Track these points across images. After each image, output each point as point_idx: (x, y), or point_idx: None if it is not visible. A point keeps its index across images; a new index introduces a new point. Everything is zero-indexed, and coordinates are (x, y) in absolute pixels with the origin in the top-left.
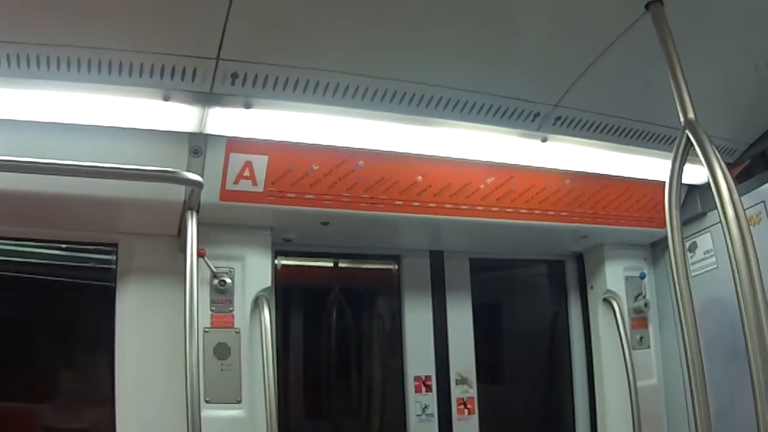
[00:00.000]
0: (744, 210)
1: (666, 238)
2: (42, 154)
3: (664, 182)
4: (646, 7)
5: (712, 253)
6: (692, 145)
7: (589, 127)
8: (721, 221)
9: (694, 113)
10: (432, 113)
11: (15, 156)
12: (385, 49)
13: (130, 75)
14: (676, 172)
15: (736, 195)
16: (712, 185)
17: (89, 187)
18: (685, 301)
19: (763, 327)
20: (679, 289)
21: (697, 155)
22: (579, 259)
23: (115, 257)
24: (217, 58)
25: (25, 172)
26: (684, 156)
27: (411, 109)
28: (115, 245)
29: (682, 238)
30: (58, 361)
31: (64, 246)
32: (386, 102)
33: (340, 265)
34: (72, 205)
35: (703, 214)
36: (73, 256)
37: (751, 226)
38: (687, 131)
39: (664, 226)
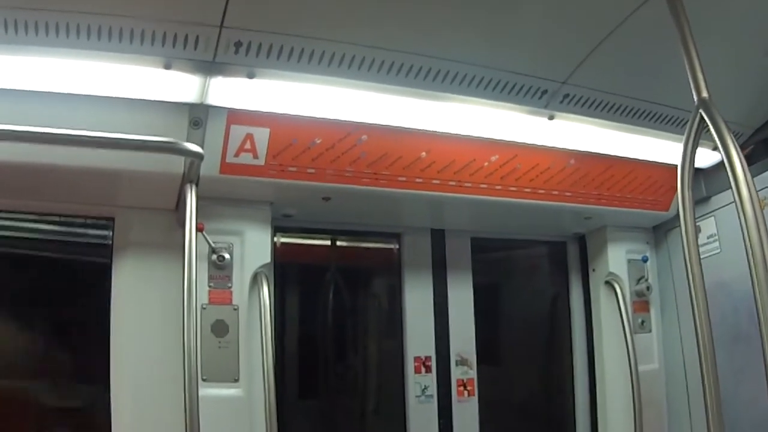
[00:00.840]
0: (757, 191)
1: (669, 221)
2: (37, 123)
3: (670, 165)
4: None
5: (716, 237)
6: (705, 124)
7: (597, 106)
8: (735, 201)
9: (708, 92)
10: (438, 87)
11: (8, 125)
12: (392, 20)
13: (130, 42)
14: (689, 151)
15: (749, 175)
16: (727, 164)
17: (85, 158)
18: (697, 283)
19: None
20: (692, 271)
21: (706, 137)
22: (581, 240)
23: (111, 232)
24: (221, 25)
25: (19, 141)
26: (698, 135)
27: (416, 83)
28: (112, 219)
29: (695, 219)
30: (54, 338)
31: (58, 221)
32: (391, 75)
33: (340, 243)
34: (67, 176)
35: (707, 198)
36: (68, 231)
37: None
38: (701, 110)
39: (668, 209)
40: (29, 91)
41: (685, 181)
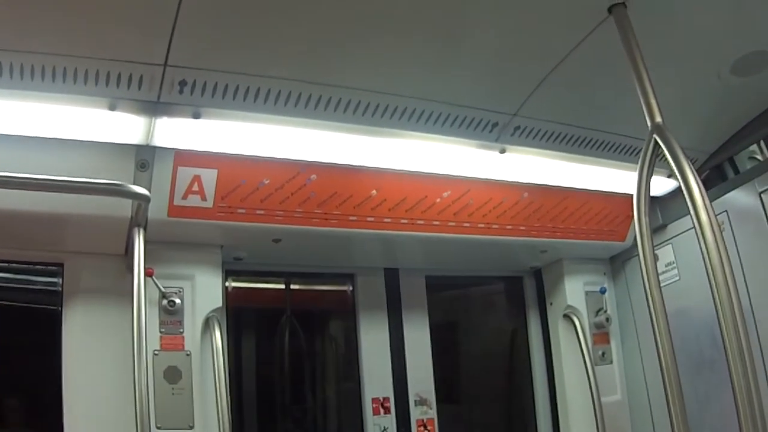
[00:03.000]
0: (715, 214)
1: (626, 251)
2: None
3: (625, 195)
4: (609, 10)
5: (674, 265)
6: (660, 149)
7: (549, 138)
8: (694, 226)
9: (662, 117)
10: (387, 123)
11: None
12: (337, 57)
13: (74, 82)
14: (644, 177)
15: (707, 199)
16: (684, 189)
17: (32, 202)
18: (658, 310)
19: (739, 330)
20: (652, 298)
21: (661, 164)
22: (537, 274)
23: (60, 278)
24: (165, 64)
25: None
26: (652, 161)
27: (365, 120)
28: (61, 265)
29: (653, 246)
30: (3, 386)
31: (7, 267)
32: (339, 112)
33: (294, 286)
34: (13, 221)
35: (664, 226)
36: (17, 278)
37: None
38: (655, 135)
39: (624, 239)
40: None
41: (641, 208)
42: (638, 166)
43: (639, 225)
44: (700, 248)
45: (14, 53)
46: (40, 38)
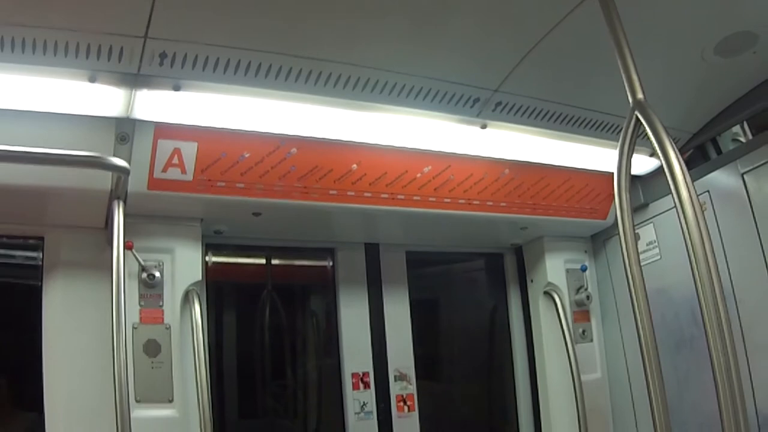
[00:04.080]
0: (696, 193)
1: (607, 230)
2: None
3: (606, 173)
4: None
5: (655, 244)
6: (641, 126)
7: (531, 114)
8: (675, 203)
9: (644, 94)
10: (368, 97)
11: None
12: (318, 30)
13: (54, 54)
14: (626, 154)
15: (688, 177)
16: (665, 165)
17: (12, 174)
18: (638, 287)
19: (719, 306)
20: (632, 275)
21: (643, 143)
22: (518, 251)
23: (41, 252)
24: (145, 36)
25: None
26: (633, 138)
27: (346, 93)
28: (41, 238)
29: (633, 224)
30: None
31: None
32: (320, 85)
33: (274, 261)
34: None
35: (645, 205)
36: None
37: None
38: (636, 112)
39: (605, 217)
40: None
41: (622, 185)
42: (619, 142)
43: (619, 202)
44: (680, 225)
45: None
46: (18, 10)
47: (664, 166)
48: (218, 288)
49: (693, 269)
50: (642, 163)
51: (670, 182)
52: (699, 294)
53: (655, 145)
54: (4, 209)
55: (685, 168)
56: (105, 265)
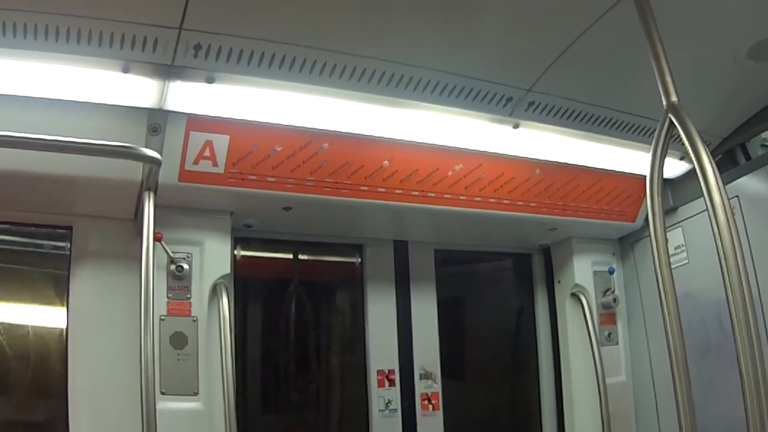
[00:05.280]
0: (728, 196)
1: (635, 232)
2: None
3: (636, 175)
4: None
5: (683, 248)
6: (674, 128)
7: (563, 114)
8: (707, 207)
9: (677, 97)
10: (401, 94)
11: None
12: (355, 25)
13: (88, 43)
14: (659, 157)
15: (720, 181)
16: (698, 169)
17: (42, 163)
18: (668, 291)
19: (749, 312)
20: (662, 278)
21: (673, 147)
22: (546, 252)
23: (68, 242)
24: (180, 27)
25: None
26: (666, 140)
27: (380, 89)
28: (70, 228)
29: (665, 227)
30: (9, 349)
31: (16, 230)
32: (354, 80)
33: (302, 257)
34: (24, 183)
35: (675, 209)
36: (25, 241)
37: None
38: (670, 115)
39: (634, 220)
40: None
41: (654, 188)
42: (652, 144)
43: (651, 204)
44: (712, 229)
45: (29, 14)
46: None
47: (697, 170)
48: (245, 282)
49: (723, 274)
50: (672, 167)
51: (703, 187)
52: (729, 300)
53: (689, 148)
54: (34, 198)
55: (717, 173)
56: (133, 256)
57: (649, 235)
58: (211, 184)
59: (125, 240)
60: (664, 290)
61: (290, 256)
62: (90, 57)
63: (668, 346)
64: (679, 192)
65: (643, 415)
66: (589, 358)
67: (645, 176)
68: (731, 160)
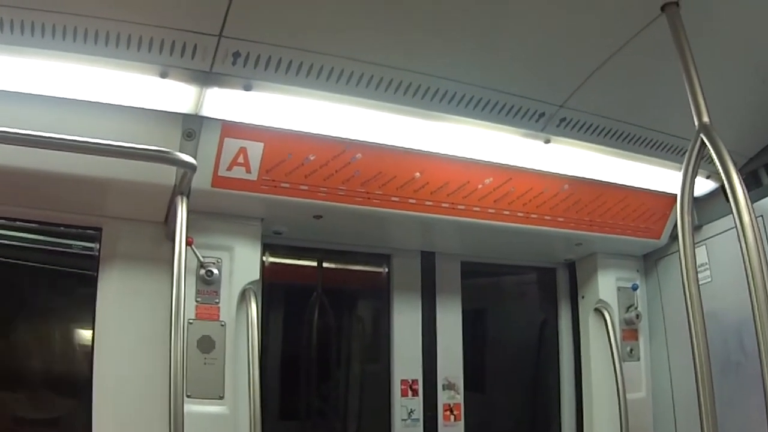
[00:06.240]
0: (755, 217)
1: (659, 249)
2: (26, 126)
3: (663, 193)
4: (662, 8)
5: (707, 266)
6: (706, 148)
7: (594, 131)
8: (736, 227)
9: (709, 117)
10: (434, 107)
11: None
12: (391, 37)
13: (127, 47)
14: (689, 176)
15: (749, 201)
16: (728, 189)
17: (75, 165)
18: (695, 308)
19: None
20: (690, 295)
21: (703, 165)
22: (571, 267)
23: (98, 243)
24: (220, 35)
25: (6, 143)
26: (698, 160)
27: (414, 102)
28: (100, 229)
29: (694, 245)
30: (36, 349)
31: (46, 229)
32: (389, 92)
33: (329, 265)
34: (55, 183)
35: (699, 227)
36: (55, 240)
37: None
38: (702, 135)
39: (659, 237)
40: (19, 92)
41: (685, 206)
42: (684, 164)
43: (681, 222)
44: (741, 249)
45: (70, 16)
46: (96, 2)
47: (728, 190)
48: (273, 288)
49: (750, 293)
50: (698, 185)
51: (733, 206)
52: (756, 318)
53: (719, 168)
54: (65, 198)
55: (746, 193)
56: (162, 259)
57: (679, 253)
58: (243, 190)
59: (154, 243)
60: (691, 307)
61: (316, 263)
62: (129, 61)
63: (694, 363)
64: (703, 210)
65: (661, 431)
66: (610, 374)
67: (671, 194)
68: (756, 179)
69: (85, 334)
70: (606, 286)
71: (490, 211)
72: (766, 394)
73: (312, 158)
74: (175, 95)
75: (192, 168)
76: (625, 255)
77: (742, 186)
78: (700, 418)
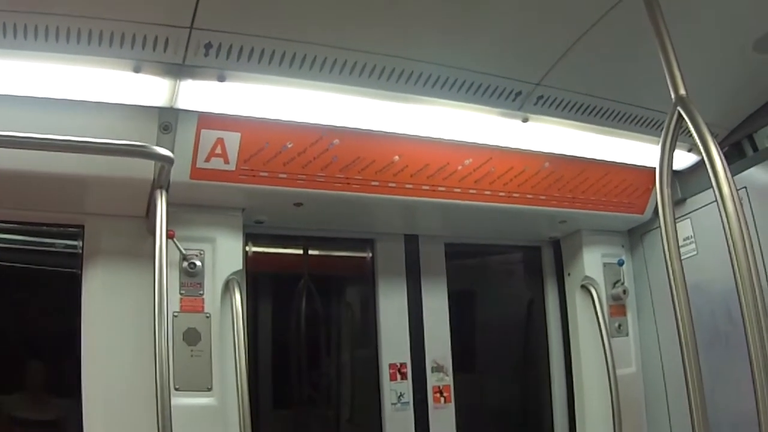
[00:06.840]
0: (736, 187)
1: (644, 224)
2: (1, 127)
3: (645, 167)
4: None
5: (692, 239)
6: (683, 122)
7: (572, 108)
8: (716, 199)
9: (686, 90)
10: (411, 89)
11: None
12: (362, 21)
13: (99, 44)
14: (668, 149)
15: (728, 172)
16: (707, 162)
17: (54, 163)
18: (678, 282)
19: (758, 301)
20: (672, 270)
21: (682, 139)
22: (556, 245)
23: (80, 241)
24: (191, 27)
25: None
26: (675, 133)
27: (389, 85)
28: (81, 227)
29: (674, 219)
30: (23, 349)
31: (27, 229)
32: (364, 77)
33: (313, 252)
34: (35, 182)
35: (683, 200)
36: (36, 240)
37: None
38: (678, 107)
39: (643, 212)
40: None
41: (663, 180)
42: (661, 137)
43: (661, 196)
44: (721, 221)
45: (39, 15)
46: (66, 0)
47: (706, 162)
48: (257, 278)
49: (733, 265)
50: (680, 159)
51: (712, 178)
52: (738, 290)
53: (697, 141)
54: (45, 198)
55: (726, 165)
56: (145, 254)
57: (659, 227)
58: (222, 181)
59: (137, 237)
60: (674, 281)
61: (302, 251)
62: (101, 57)
63: (679, 337)
64: (687, 183)
65: (653, 406)
66: (599, 350)
67: (653, 168)
68: (739, 151)
69: (72, 332)
70: (591, 262)
71: (471, 191)
72: (751, 363)
73: (290, 146)
74: (150, 89)
75: (169, 161)
76: (610, 231)
77: (720, 157)
78: (687, 392)
